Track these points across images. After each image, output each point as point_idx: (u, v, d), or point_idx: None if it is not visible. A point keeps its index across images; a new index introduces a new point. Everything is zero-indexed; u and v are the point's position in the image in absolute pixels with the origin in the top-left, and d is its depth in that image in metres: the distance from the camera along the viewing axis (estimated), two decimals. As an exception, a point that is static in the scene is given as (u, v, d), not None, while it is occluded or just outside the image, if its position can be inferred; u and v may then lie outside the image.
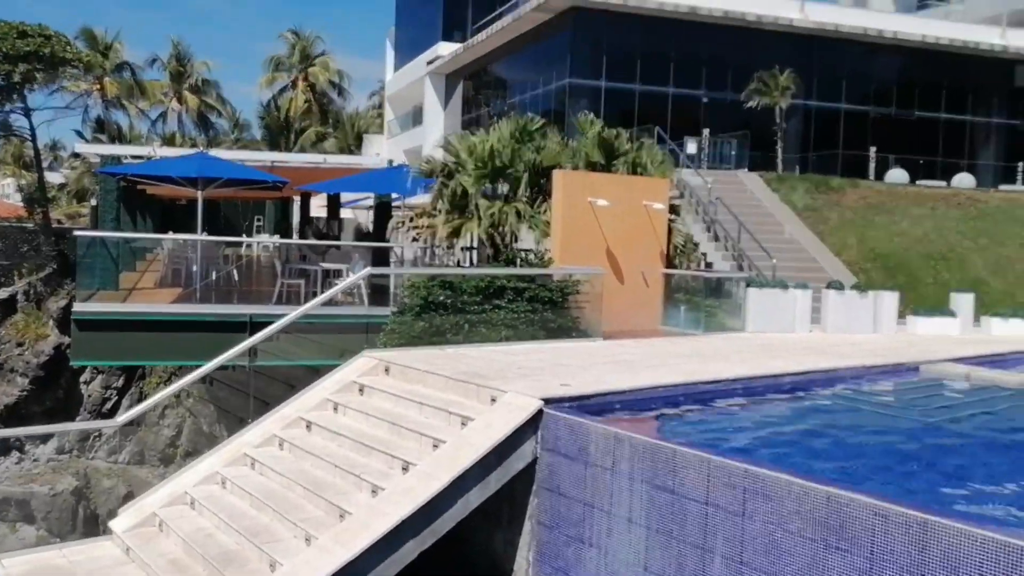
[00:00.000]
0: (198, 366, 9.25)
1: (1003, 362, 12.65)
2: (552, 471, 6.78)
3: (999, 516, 5.02)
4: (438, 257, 20.82)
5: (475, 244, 17.26)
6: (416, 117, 45.73)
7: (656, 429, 7.43)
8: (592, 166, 16.12)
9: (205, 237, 17.79)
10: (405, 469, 6.91)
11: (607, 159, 16.14)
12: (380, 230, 25.32)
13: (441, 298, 11.44)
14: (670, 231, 15.88)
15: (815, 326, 15.75)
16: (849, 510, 4.49)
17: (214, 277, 17.49)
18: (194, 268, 17.24)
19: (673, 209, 16.75)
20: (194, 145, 46.58)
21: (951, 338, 15.35)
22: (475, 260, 17.89)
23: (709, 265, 19.07)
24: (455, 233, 15.08)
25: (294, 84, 59.49)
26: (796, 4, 29.87)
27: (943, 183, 26.51)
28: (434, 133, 38.28)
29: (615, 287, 14.06)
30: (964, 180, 27.11)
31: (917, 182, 25.94)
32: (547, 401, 7.06)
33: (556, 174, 14.38)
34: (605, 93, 28.08)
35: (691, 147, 26.03)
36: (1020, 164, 30.97)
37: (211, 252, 18.27)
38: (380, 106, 59.74)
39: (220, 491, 7.80)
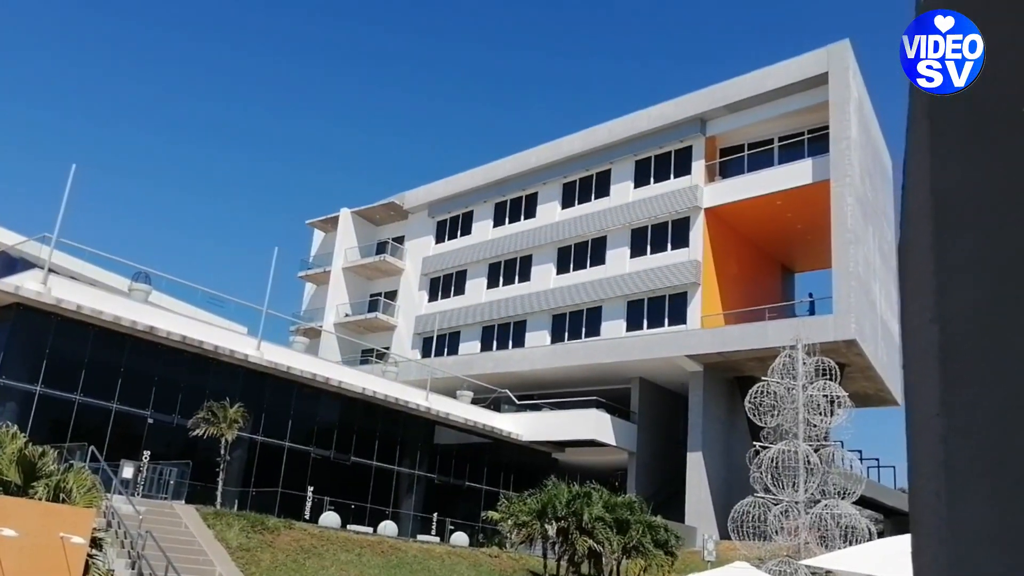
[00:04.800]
0: None
1: None
2: None
3: None
4: None
5: None
6: None
7: None
8: (6, 487, 14.14)
9: None
10: None
11: (26, 480, 14.33)
12: None
13: None
14: (87, 568, 14.19)
15: None
16: None
17: None
18: None
19: (96, 542, 15.14)
20: None
21: None
22: None
23: (127, 607, 17.21)
24: None
25: None
26: (253, 341, 31.21)
27: (370, 529, 28.09)
28: None
29: (6, 636, 11.87)
30: (388, 528, 29.04)
31: (348, 526, 27.14)
32: None
33: (-44, 494, 12.26)
34: (39, 399, 25.51)
35: (127, 471, 24.29)
36: (435, 515, 34.37)
37: None
38: None
39: None
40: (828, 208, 35.13)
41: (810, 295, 41.47)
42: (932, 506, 1.20)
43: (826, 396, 26.96)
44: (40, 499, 14.06)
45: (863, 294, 35.49)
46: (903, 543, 9.02)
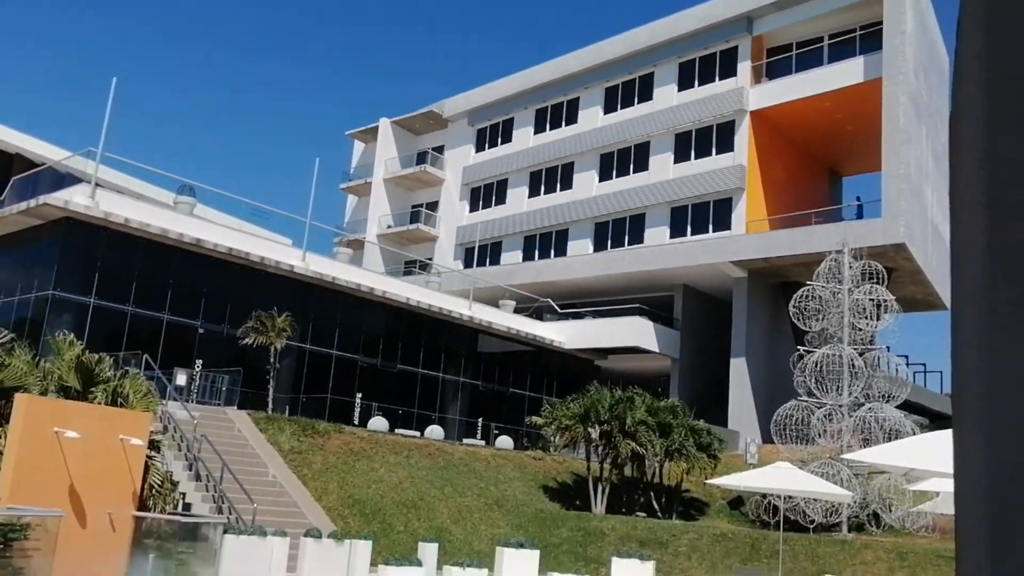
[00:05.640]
0: None
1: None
2: None
3: None
4: None
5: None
6: None
7: None
8: (66, 392, 14.65)
9: None
10: None
11: (85, 386, 14.82)
12: None
13: None
14: (147, 469, 14.76)
15: (291, 575, 15.45)
16: None
17: None
18: None
19: (154, 445, 15.71)
20: None
21: (417, 587, 16.05)
22: None
23: (187, 507, 17.96)
24: None
25: None
26: (298, 252, 31.57)
27: (417, 433, 28.77)
28: None
29: (74, 531, 12.47)
30: (435, 432, 29.71)
31: (396, 431, 27.81)
32: None
33: (19, 398, 12.74)
34: (93, 311, 26.24)
35: (181, 378, 25.09)
36: (480, 420, 35.07)
37: None
38: None
39: None
40: (879, 108, 34.04)
41: (858, 199, 40.64)
42: (973, 362, 1.15)
43: (872, 300, 26.66)
44: (99, 403, 14.57)
45: (914, 197, 34.65)
46: (942, 437, 8.99)
